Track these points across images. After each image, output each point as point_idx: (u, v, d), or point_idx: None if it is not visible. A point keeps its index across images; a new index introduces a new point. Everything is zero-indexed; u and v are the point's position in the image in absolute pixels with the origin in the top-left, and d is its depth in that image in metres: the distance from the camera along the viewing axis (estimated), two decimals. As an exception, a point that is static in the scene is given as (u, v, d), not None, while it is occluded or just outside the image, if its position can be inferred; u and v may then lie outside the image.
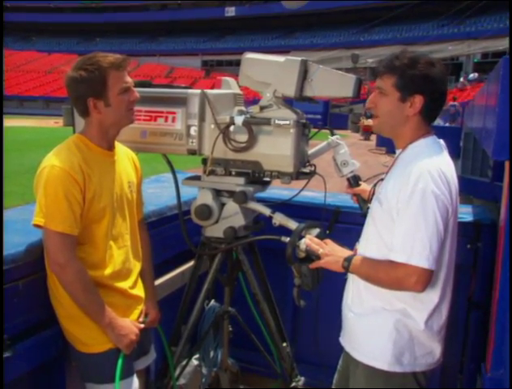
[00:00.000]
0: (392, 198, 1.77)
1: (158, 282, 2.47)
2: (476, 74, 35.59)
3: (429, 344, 1.86)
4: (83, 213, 1.86)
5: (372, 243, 1.89)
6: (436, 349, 1.88)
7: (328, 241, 1.97)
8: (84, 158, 1.87)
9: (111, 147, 2.01)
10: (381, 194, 1.86)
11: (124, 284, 2.01)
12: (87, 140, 1.93)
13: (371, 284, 1.84)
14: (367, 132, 26.40)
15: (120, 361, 1.94)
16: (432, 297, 1.82)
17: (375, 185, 2.08)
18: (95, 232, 1.92)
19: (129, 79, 1.94)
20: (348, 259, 1.84)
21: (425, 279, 1.69)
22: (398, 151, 1.91)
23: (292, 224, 2.15)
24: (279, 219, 2.24)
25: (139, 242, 2.15)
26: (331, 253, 1.90)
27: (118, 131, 2.03)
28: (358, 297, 1.94)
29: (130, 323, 1.98)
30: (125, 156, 2.11)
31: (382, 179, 1.97)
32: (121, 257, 1.99)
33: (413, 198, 1.69)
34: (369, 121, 26.24)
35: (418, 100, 1.78)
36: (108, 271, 1.94)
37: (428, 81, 1.78)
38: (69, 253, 1.81)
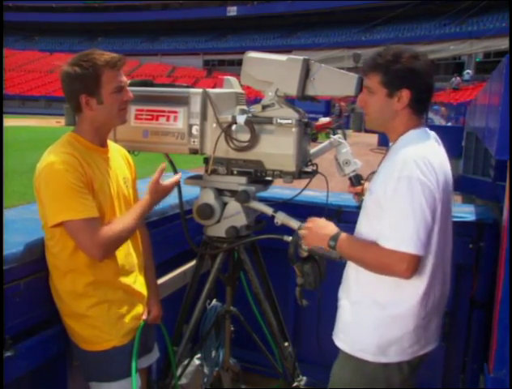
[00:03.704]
0: (380, 187, 1.80)
1: (160, 282, 2.47)
2: (470, 72, 35.62)
3: (415, 333, 1.84)
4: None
5: (363, 232, 1.90)
6: (421, 338, 1.87)
7: (313, 218, 1.95)
8: (80, 154, 1.86)
9: (104, 144, 2.01)
10: (372, 184, 1.90)
11: (127, 280, 2.01)
12: (80, 138, 1.92)
13: (358, 276, 1.86)
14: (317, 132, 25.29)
15: (138, 332, 2.02)
16: (418, 284, 1.80)
17: (372, 173, 2.08)
18: None
19: (123, 79, 1.94)
20: (334, 238, 1.84)
21: (414, 266, 1.69)
22: (390, 144, 1.94)
23: (294, 224, 2.15)
24: (281, 218, 2.23)
25: (138, 237, 2.15)
26: (315, 229, 1.90)
27: (110, 129, 2.03)
28: (347, 287, 1.96)
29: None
30: (117, 153, 2.11)
31: (375, 172, 1.99)
32: (122, 252, 1.99)
33: (399, 185, 1.71)
34: (323, 120, 25.29)
35: (405, 94, 1.81)
36: (111, 266, 1.94)
37: (412, 74, 1.80)
38: (99, 233, 1.80)
